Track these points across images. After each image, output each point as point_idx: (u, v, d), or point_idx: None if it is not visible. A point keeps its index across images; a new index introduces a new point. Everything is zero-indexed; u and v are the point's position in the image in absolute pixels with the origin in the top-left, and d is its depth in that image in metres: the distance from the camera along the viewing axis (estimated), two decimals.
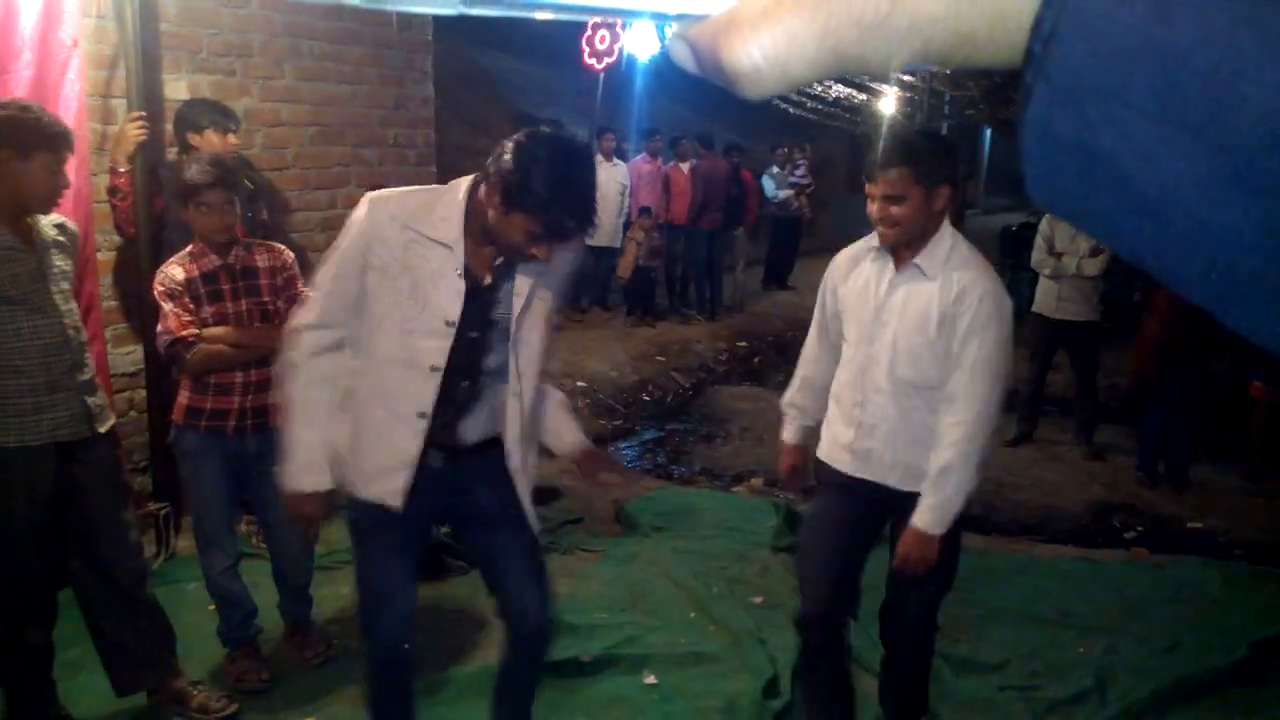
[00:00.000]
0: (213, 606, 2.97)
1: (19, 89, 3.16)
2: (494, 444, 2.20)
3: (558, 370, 7.16)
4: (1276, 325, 0.32)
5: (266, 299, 2.80)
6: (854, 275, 2.42)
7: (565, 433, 2.31)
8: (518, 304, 2.09)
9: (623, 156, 9.00)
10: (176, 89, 3.90)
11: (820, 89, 12.46)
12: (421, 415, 2.04)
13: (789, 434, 2.67)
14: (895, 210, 2.21)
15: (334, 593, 3.37)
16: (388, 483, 2.06)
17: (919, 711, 2.63)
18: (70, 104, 3.32)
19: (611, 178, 8.34)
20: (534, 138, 1.92)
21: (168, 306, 2.70)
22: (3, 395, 2.33)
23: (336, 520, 2.48)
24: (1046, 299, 5.68)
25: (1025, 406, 6.10)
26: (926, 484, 2.25)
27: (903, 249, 2.28)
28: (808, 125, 13.93)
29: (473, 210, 1.98)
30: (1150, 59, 0.30)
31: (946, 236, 2.27)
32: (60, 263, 2.46)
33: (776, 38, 0.35)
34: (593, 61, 9.20)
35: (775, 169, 11.14)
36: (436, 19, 5.02)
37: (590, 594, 3.60)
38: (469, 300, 2.00)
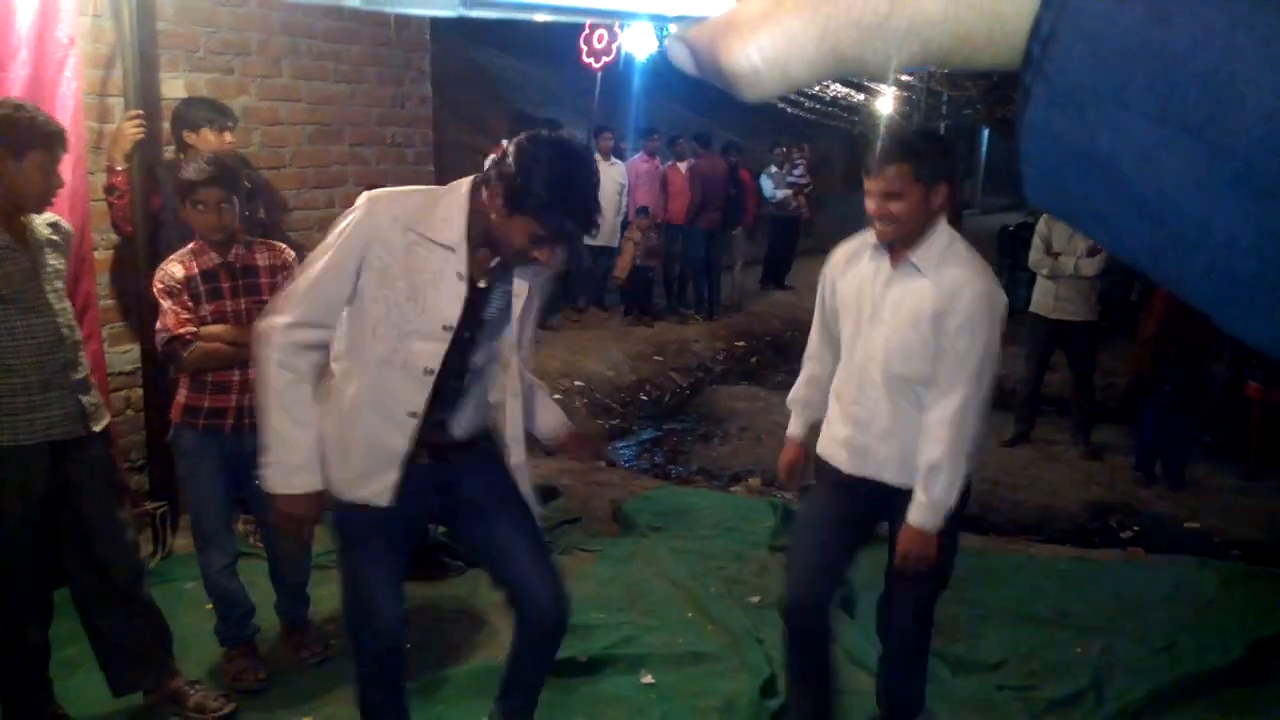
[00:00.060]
0: (210, 605, 2.96)
1: (15, 88, 3.16)
2: (480, 438, 2.21)
3: (556, 370, 7.16)
4: (1274, 327, 0.32)
5: (266, 298, 2.79)
6: (851, 271, 2.43)
7: (548, 416, 2.35)
8: (518, 305, 2.11)
9: (620, 156, 9.00)
10: (174, 87, 3.89)
11: (818, 88, 12.46)
12: (412, 415, 2.03)
13: (793, 428, 2.67)
14: (893, 207, 2.22)
15: (331, 592, 3.35)
16: (375, 483, 2.05)
17: (915, 709, 2.63)
18: (67, 102, 3.31)
19: (609, 177, 8.34)
20: (536, 141, 1.92)
21: (166, 304, 2.70)
22: None
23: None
24: (1044, 299, 5.68)
25: (1023, 406, 6.11)
26: (918, 482, 2.27)
27: (899, 246, 2.29)
28: (805, 125, 13.94)
29: (475, 212, 1.98)
30: (1149, 60, 0.30)
31: (943, 234, 2.28)
32: (54, 261, 2.46)
33: (775, 39, 0.35)
34: (590, 61, 9.20)
35: (773, 168, 11.14)
36: (434, 18, 5.02)
37: (588, 594, 3.60)
38: (466, 302, 2.01)
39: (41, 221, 2.46)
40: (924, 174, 2.21)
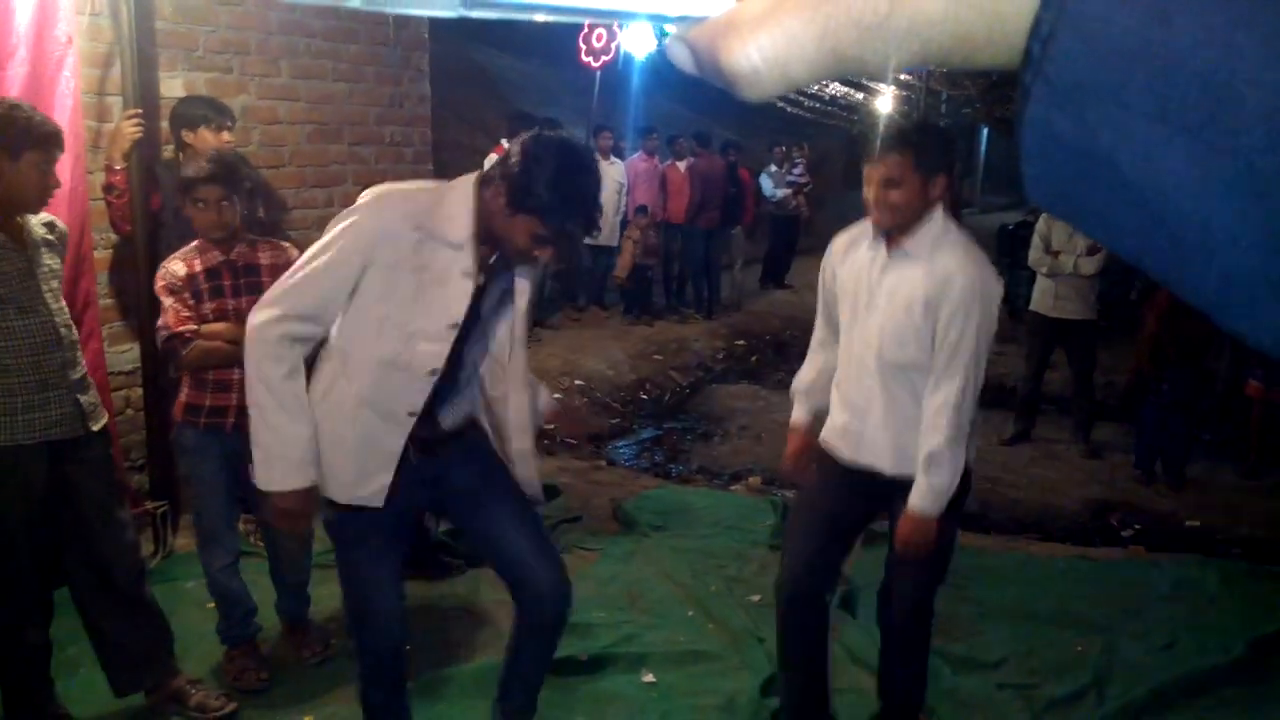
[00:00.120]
0: (211, 604, 2.96)
1: (14, 87, 3.15)
2: (467, 428, 2.22)
3: (556, 368, 7.16)
4: (1274, 327, 0.32)
5: None
6: (850, 259, 2.45)
7: (537, 396, 2.36)
8: (522, 301, 2.13)
9: (620, 155, 9.00)
10: (172, 86, 3.89)
11: (817, 88, 12.46)
12: (411, 414, 2.03)
13: (797, 416, 2.67)
14: (892, 195, 2.25)
15: (332, 591, 3.34)
16: (370, 484, 2.03)
17: (916, 704, 2.64)
18: (65, 101, 3.31)
19: (608, 176, 8.33)
20: (540, 141, 1.93)
21: (167, 301, 2.70)
22: None
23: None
24: (1043, 297, 5.68)
25: (1023, 405, 6.11)
26: (918, 470, 2.29)
27: (895, 233, 2.32)
28: (805, 124, 13.95)
29: (480, 210, 1.97)
30: (1148, 60, 0.30)
31: (938, 221, 2.30)
32: (50, 261, 2.46)
33: (775, 39, 0.35)
34: (589, 60, 9.20)
35: (773, 167, 11.14)
36: (433, 18, 5.02)
37: (588, 593, 3.59)
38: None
39: (37, 221, 2.46)
40: (924, 164, 2.23)
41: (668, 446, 6.49)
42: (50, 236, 2.49)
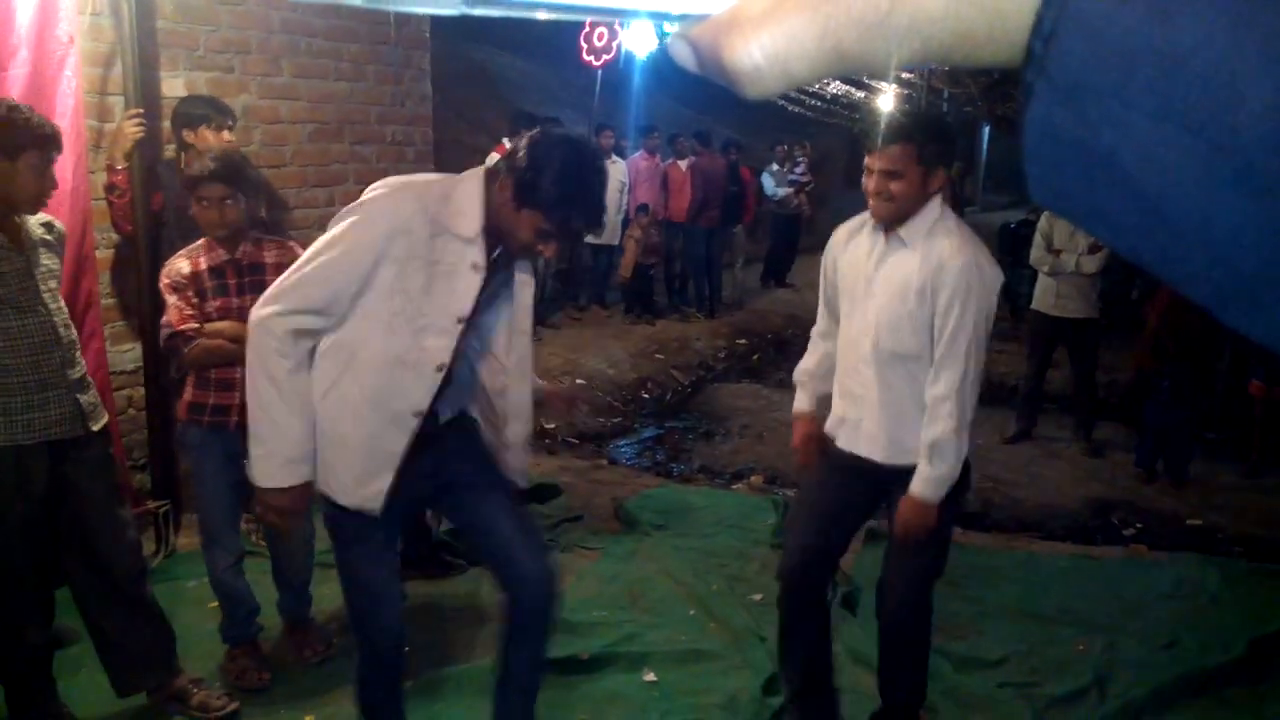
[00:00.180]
0: (213, 604, 2.97)
1: (16, 86, 3.16)
2: (460, 417, 2.22)
3: (557, 367, 7.17)
4: (1276, 324, 0.32)
5: None
6: (850, 248, 2.47)
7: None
8: (526, 293, 2.15)
9: (621, 154, 9.00)
10: (174, 86, 3.89)
11: (818, 86, 12.45)
12: (416, 414, 2.01)
13: (800, 403, 2.67)
14: (893, 186, 2.26)
15: (333, 591, 3.34)
16: (370, 487, 2.01)
17: (916, 702, 2.64)
18: (67, 101, 3.31)
19: (610, 175, 8.31)
20: (548, 137, 1.94)
21: (171, 299, 2.70)
22: None
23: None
24: (1045, 296, 5.68)
25: (1024, 404, 6.11)
26: (921, 456, 2.31)
27: (893, 224, 2.33)
28: (806, 122, 13.93)
29: (489, 204, 1.97)
30: (1150, 58, 0.30)
31: (934, 210, 2.31)
32: (48, 261, 2.46)
33: (777, 37, 0.35)
34: (590, 59, 9.20)
35: (774, 166, 11.14)
36: (434, 16, 5.02)
37: (589, 592, 3.60)
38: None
39: (35, 222, 2.46)
40: (926, 157, 2.25)
41: (669, 445, 6.50)
42: (48, 236, 2.49)
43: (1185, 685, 3.09)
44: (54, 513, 2.49)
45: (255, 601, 2.96)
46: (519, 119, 7.38)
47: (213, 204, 2.69)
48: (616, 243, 8.75)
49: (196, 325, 2.70)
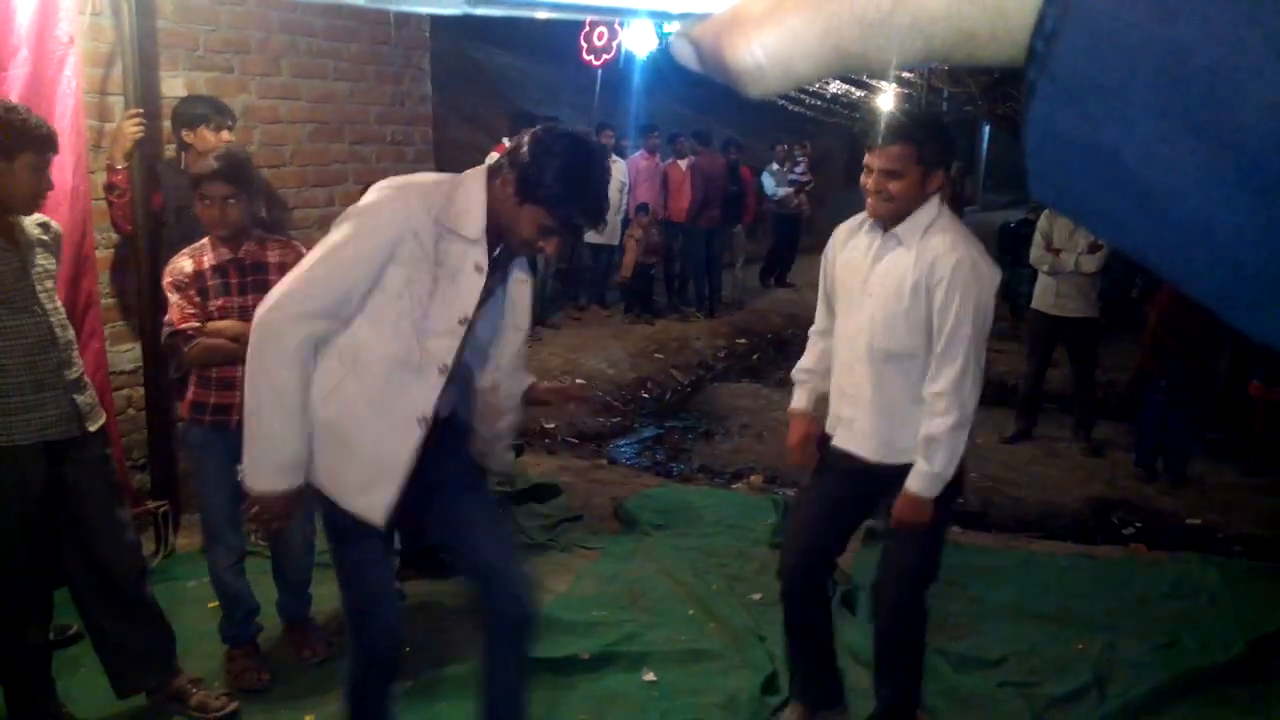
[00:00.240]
0: (213, 604, 2.96)
1: (16, 86, 3.16)
2: (452, 417, 2.22)
3: (557, 367, 7.17)
4: (1278, 322, 0.32)
5: None
6: (849, 247, 2.48)
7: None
8: (524, 291, 2.15)
9: (621, 153, 9.00)
10: (173, 86, 3.89)
11: (818, 86, 12.46)
12: (421, 420, 1.98)
13: (797, 402, 2.68)
14: (891, 185, 2.27)
15: (333, 591, 3.32)
16: (374, 495, 1.99)
17: (910, 703, 2.63)
18: (67, 101, 3.31)
19: (610, 175, 8.34)
20: (551, 133, 1.94)
21: (173, 298, 2.70)
22: None
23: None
24: (1045, 295, 5.68)
25: (1024, 403, 6.11)
26: (918, 452, 2.32)
27: (890, 223, 2.34)
28: (806, 122, 13.93)
29: (491, 204, 1.97)
30: (1153, 56, 0.30)
31: (930, 209, 2.32)
32: (44, 261, 2.46)
33: (779, 36, 0.35)
34: (590, 58, 9.20)
35: (774, 166, 11.13)
36: (434, 16, 5.02)
37: (589, 591, 3.60)
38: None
39: (31, 222, 2.46)
40: (925, 157, 2.26)
41: (669, 445, 6.49)
42: (44, 237, 2.49)
43: (1185, 684, 3.09)
44: (53, 513, 2.49)
45: (255, 601, 2.95)
46: (519, 118, 7.39)
47: (215, 202, 2.68)
48: (617, 243, 8.75)
49: (198, 324, 2.69)
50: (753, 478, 5.51)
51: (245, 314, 2.73)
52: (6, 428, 2.35)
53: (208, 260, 2.73)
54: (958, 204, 10.49)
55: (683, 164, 9.24)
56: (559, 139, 1.92)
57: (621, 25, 8.70)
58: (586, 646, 3.13)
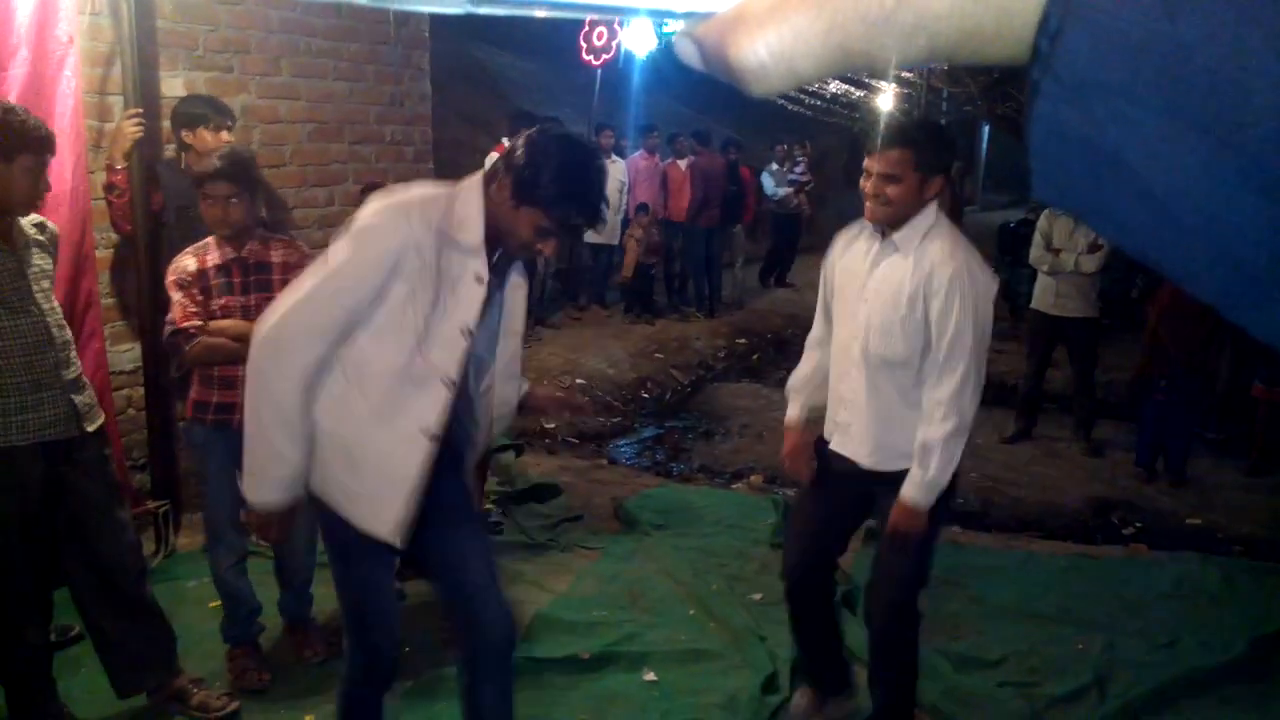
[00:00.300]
0: (213, 604, 2.97)
1: (15, 86, 3.15)
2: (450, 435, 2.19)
3: (557, 367, 7.16)
4: None
5: (277, 294, 2.78)
6: (848, 253, 2.49)
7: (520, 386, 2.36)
8: (520, 295, 2.15)
9: (620, 153, 9.00)
10: (173, 86, 3.89)
11: (818, 85, 12.45)
12: (430, 437, 1.94)
13: (791, 414, 2.68)
14: (890, 190, 2.27)
15: (334, 591, 3.36)
16: (385, 512, 1.95)
17: (905, 704, 2.63)
18: (66, 101, 3.31)
19: (610, 175, 8.31)
20: (546, 134, 1.94)
21: (175, 296, 2.70)
22: None
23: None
24: (1044, 295, 5.68)
25: (1024, 403, 6.11)
26: (914, 459, 2.32)
27: (886, 228, 2.34)
28: (805, 121, 13.92)
29: (488, 212, 1.95)
30: (1156, 55, 0.30)
31: (929, 216, 2.32)
32: (40, 262, 2.46)
33: (782, 35, 0.35)
34: (590, 58, 9.19)
35: (774, 166, 11.13)
36: (434, 15, 5.02)
37: (589, 591, 3.60)
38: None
39: (28, 222, 2.46)
40: (924, 163, 2.26)
41: (669, 445, 6.49)
42: (41, 237, 2.49)
43: (1185, 684, 3.09)
44: (52, 514, 2.49)
45: (257, 601, 2.95)
46: (519, 118, 7.37)
47: (219, 202, 2.69)
48: (616, 243, 8.75)
49: (199, 323, 2.69)
50: (753, 478, 5.51)
51: (248, 313, 2.73)
52: (4, 429, 2.34)
53: (211, 259, 2.73)
54: (958, 204, 10.50)
55: (682, 164, 9.23)
56: (553, 140, 1.92)
57: (621, 25, 8.70)
58: (587, 646, 3.13)
